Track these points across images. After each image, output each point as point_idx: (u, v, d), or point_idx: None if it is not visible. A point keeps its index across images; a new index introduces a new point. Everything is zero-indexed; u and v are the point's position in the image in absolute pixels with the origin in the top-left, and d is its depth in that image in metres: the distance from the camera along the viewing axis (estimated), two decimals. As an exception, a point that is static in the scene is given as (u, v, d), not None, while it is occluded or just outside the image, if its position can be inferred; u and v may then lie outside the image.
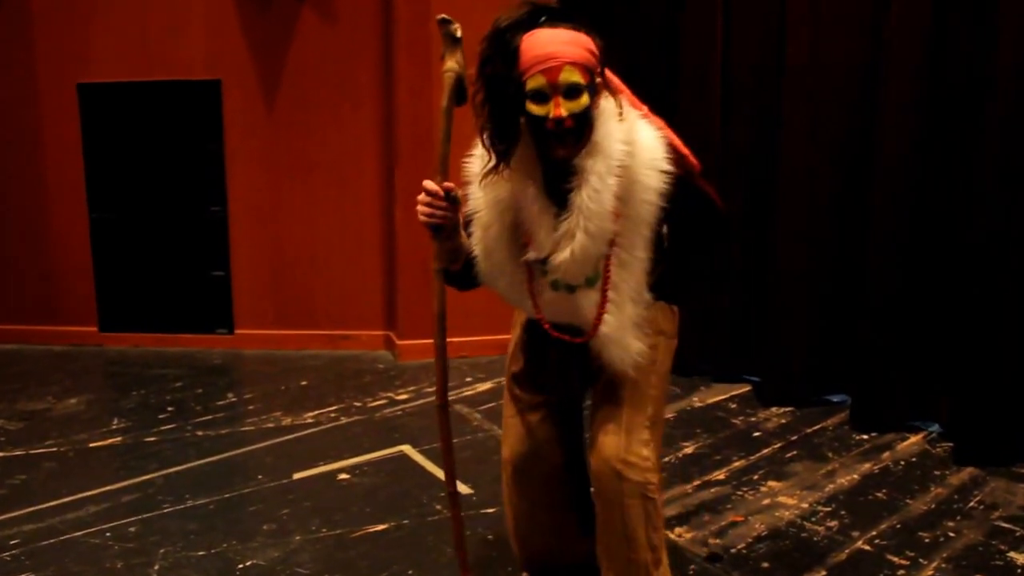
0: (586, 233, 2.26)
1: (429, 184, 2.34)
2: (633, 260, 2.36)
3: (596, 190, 2.23)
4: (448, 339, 6.25)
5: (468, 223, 2.47)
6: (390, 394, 5.37)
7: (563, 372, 2.67)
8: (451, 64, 2.34)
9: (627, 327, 2.43)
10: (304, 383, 5.65)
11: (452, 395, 5.30)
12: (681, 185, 2.34)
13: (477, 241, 2.46)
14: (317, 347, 6.48)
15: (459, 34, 2.35)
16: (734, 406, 5.05)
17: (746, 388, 5.30)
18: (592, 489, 2.63)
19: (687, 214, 2.40)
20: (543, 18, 2.23)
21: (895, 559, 3.29)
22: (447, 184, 2.35)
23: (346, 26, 6.21)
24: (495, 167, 2.28)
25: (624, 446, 2.46)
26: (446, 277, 2.51)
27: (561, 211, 2.30)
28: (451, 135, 2.36)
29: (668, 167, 2.30)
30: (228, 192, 6.42)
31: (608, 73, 2.32)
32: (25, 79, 6.43)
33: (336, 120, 6.31)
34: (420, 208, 2.36)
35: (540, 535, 2.87)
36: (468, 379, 5.60)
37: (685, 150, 2.41)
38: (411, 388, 5.48)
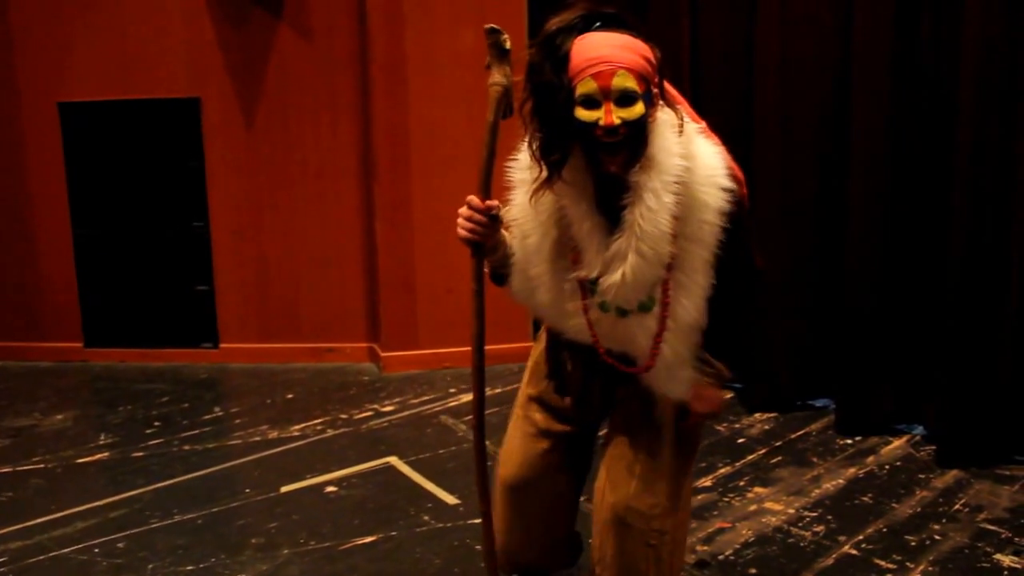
0: (640, 255, 2.09)
1: (473, 199, 2.22)
2: (693, 285, 2.19)
3: (651, 208, 2.06)
4: (432, 350, 6.25)
5: (508, 229, 2.35)
6: (375, 406, 5.38)
7: (583, 401, 2.51)
8: (498, 77, 2.23)
9: (685, 356, 2.29)
10: (290, 396, 5.65)
11: (438, 406, 5.31)
12: (739, 208, 2.19)
13: (514, 250, 2.33)
14: (302, 360, 6.47)
15: (508, 45, 2.22)
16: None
17: (729, 395, 5.32)
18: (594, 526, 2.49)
19: (732, 250, 2.23)
20: (597, 23, 2.07)
21: (882, 563, 3.31)
22: (490, 202, 2.22)
23: (322, 42, 6.24)
24: (548, 181, 2.12)
25: (634, 492, 2.34)
26: (493, 277, 2.39)
27: (614, 229, 2.13)
28: (495, 152, 2.24)
29: (729, 184, 2.15)
30: (210, 207, 6.43)
31: (667, 85, 2.16)
32: (6, 98, 6.42)
33: (315, 134, 6.33)
34: (461, 223, 2.23)
35: (528, 551, 2.73)
36: (452, 390, 5.60)
37: (740, 175, 2.24)
38: (396, 400, 5.48)
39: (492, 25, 2.21)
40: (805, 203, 4.89)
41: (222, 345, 6.56)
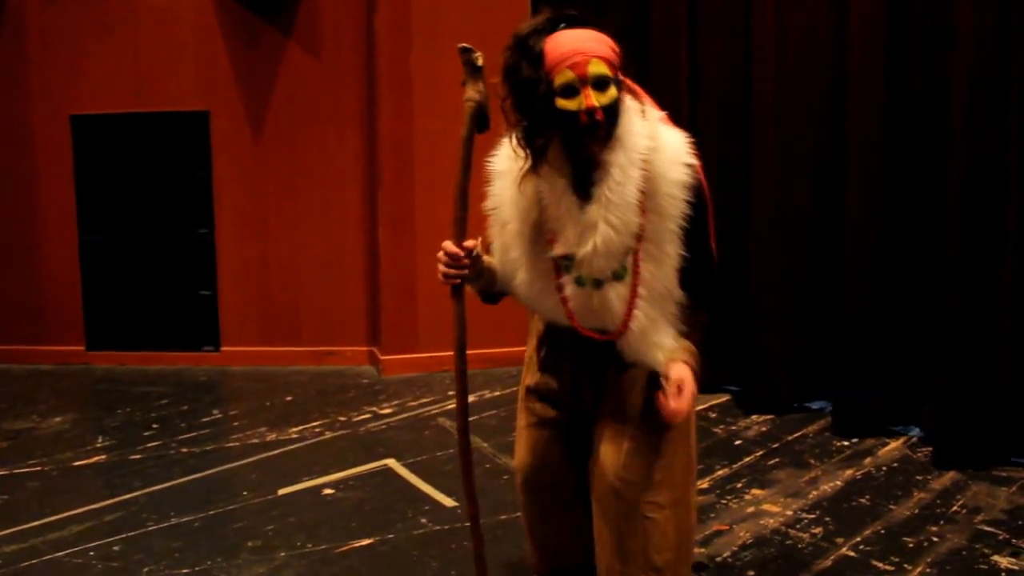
0: (609, 225, 2.25)
1: (449, 246, 2.36)
2: (662, 255, 2.33)
3: (618, 182, 2.23)
4: (433, 353, 6.26)
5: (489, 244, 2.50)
6: (374, 408, 5.38)
7: (576, 387, 2.62)
8: (471, 93, 2.35)
9: (659, 323, 2.39)
10: (289, 399, 5.65)
11: (436, 409, 5.31)
12: (700, 187, 2.35)
13: (495, 237, 2.47)
14: (302, 363, 6.50)
15: (480, 62, 2.36)
16: (714, 415, 5.07)
17: (726, 397, 5.32)
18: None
19: (695, 232, 2.36)
20: (563, 24, 2.25)
21: (880, 565, 3.30)
22: (467, 244, 2.36)
23: (331, 58, 6.37)
24: (535, 167, 2.27)
25: (625, 464, 2.44)
26: (482, 297, 2.56)
27: (587, 204, 2.29)
28: (471, 166, 2.36)
29: (691, 160, 2.32)
30: (216, 215, 6.52)
31: (627, 80, 2.34)
32: (19, 111, 6.51)
33: (321, 147, 6.44)
34: (441, 269, 2.38)
35: (555, 536, 2.84)
36: (450, 393, 5.59)
37: (699, 166, 2.39)
38: (395, 402, 5.48)
39: (464, 44, 2.36)
40: (802, 207, 4.90)
41: (223, 348, 6.58)
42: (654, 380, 2.44)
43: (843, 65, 4.60)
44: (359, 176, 6.45)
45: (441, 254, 2.37)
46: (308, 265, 6.53)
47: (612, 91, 2.20)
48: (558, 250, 2.33)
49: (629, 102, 2.30)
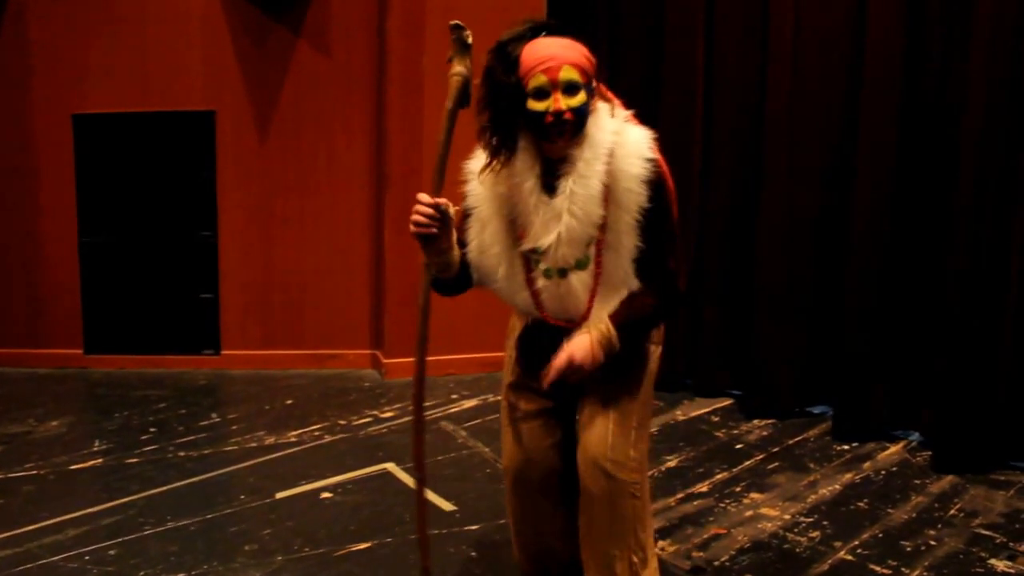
0: (572, 215, 2.38)
1: (422, 196, 2.45)
2: (620, 246, 2.45)
3: (582, 175, 2.37)
4: (435, 357, 6.29)
5: (466, 218, 2.58)
6: (375, 412, 5.37)
7: (556, 380, 2.63)
8: (459, 68, 2.47)
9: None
10: (289, 402, 5.64)
11: (438, 412, 5.30)
12: (660, 183, 2.45)
13: (474, 236, 2.57)
14: (304, 366, 6.47)
15: (470, 40, 2.48)
16: (716, 419, 5.06)
17: (728, 401, 5.31)
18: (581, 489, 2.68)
19: (654, 230, 2.46)
20: (543, 32, 2.40)
21: (877, 568, 3.30)
22: (439, 199, 2.45)
23: (340, 59, 6.32)
24: (490, 161, 2.43)
25: (612, 446, 2.56)
26: (435, 284, 2.63)
27: (553, 197, 2.43)
28: (452, 138, 2.47)
29: (652, 155, 2.42)
30: (219, 217, 6.47)
31: (601, 86, 2.48)
32: (20, 109, 6.45)
33: (328, 149, 6.40)
34: (412, 218, 2.46)
35: (542, 537, 2.91)
36: (454, 396, 5.59)
37: (664, 166, 2.49)
38: (396, 406, 5.47)
39: (456, 22, 2.50)
40: (809, 212, 4.90)
41: (224, 352, 6.56)
42: (629, 364, 2.62)
43: (859, 69, 4.59)
44: (366, 179, 6.41)
45: (416, 205, 2.45)
46: (312, 268, 6.49)
47: (581, 95, 2.34)
48: (527, 244, 2.47)
49: (600, 105, 2.44)
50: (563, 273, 2.48)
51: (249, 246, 6.50)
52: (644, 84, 5.51)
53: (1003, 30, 3.97)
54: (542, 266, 2.50)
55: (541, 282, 2.53)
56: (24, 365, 6.61)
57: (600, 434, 2.58)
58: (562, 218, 2.39)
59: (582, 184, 2.37)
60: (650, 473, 4.12)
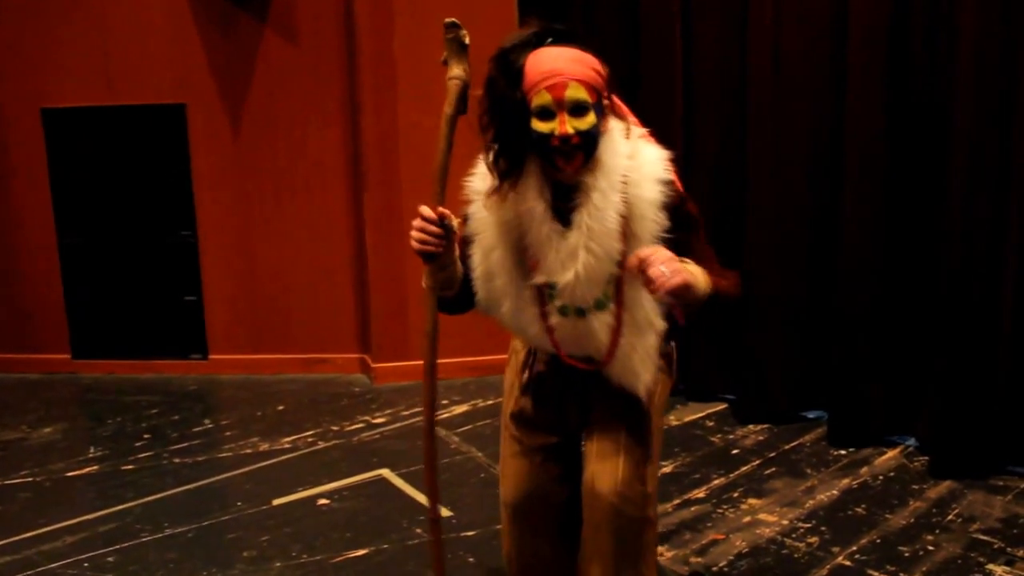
0: (590, 252, 2.20)
1: (424, 209, 2.26)
2: None
3: (598, 207, 2.18)
4: (422, 362, 6.20)
5: (468, 243, 2.40)
6: (367, 418, 5.36)
7: (560, 409, 2.57)
8: (457, 71, 2.26)
9: (646, 350, 2.35)
10: (281, 408, 5.63)
11: (430, 417, 5.28)
12: (680, 204, 2.28)
13: (477, 264, 2.39)
14: (293, 371, 6.44)
15: (467, 40, 2.26)
16: (711, 424, 5.06)
17: (722, 406, 5.32)
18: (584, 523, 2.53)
19: (685, 248, 2.26)
20: (550, 39, 2.19)
21: (875, 574, 3.31)
22: (442, 210, 2.25)
23: (309, 46, 6.20)
24: (499, 187, 2.23)
25: (621, 480, 2.39)
26: (437, 302, 2.40)
27: (568, 231, 2.24)
28: (452, 145, 2.27)
29: (667, 177, 2.25)
30: (197, 216, 6.40)
31: (615, 99, 2.30)
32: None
33: (303, 141, 6.29)
34: (413, 234, 2.26)
35: (540, 567, 2.74)
36: (444, 401, 5.58)
37: (679, 184, 2.32)
38: (388, 411, 5.46)
39: (451, 19, 2.24)
40: (798, 215, 4.89)
41: (211, 356, 6.53)
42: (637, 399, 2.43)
43: (843, 62, 4.56)
44: (343, 173, 6.29)
45: (417, 219, 2.26)
46: (294, 267, 6.41)
47: (590, 117, 2.15)
48: (540, 278, 2.29)
49: (613, 123, 2.26)
50: (581, 313, 2.31)
51: (230, 246, 6.43)
52: (621, 82, 5.47)
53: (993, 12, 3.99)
54: (557, 303, 2.32)
55: (556, 319, 2.35)
56: (13, 371, 6.57)
57: (609, 469, 2.41)
58: (579, 256, 2.20)
59: (598, 218, 2.18)
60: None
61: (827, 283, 4.77)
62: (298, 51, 6.21)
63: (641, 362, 2.37)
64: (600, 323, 2.31)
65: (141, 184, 6.40)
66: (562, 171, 2.20)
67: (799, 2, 4.76)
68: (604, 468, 2.41)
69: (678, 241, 2.24)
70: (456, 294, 2.43)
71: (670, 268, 2.08)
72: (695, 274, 2.17)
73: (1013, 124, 3.98)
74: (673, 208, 2.25)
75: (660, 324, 2.34)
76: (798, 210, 4.88)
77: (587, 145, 2.16)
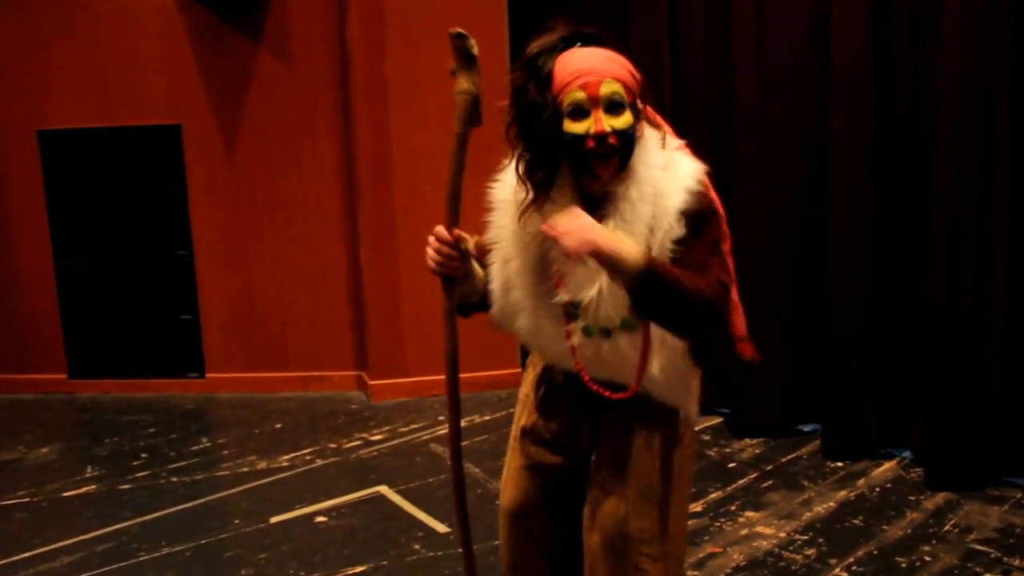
0: None
1: (440, 231, 2.16)
2: None
3: (627, 220, 2.02)
4: (420, 378, 6.18)
5: (487, 252, 2.26)
6: (364, 435, 5.36)
7: (572, 429, 2.43)
8: (466, 85, 2.13)
9: (678, 370, 2.22)
10: (278, 426, 5.63)
11: (427, 435, 5.29)
12: (703, 214, 2.09)
13: (495, 275, 2.25)
14: (289, 389, 6.44)
15: (475, 51, 2.12)
16: (708, 438, 5.07)
17: (718, 420, 5.32)
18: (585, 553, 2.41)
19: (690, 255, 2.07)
20: (578, 43, 2.05)
21: (873, 585, 3.32)
22: (457, 232, 2.16)
23: (302, 66, 6.25)
24: (535, 200, 2.06)
25: (622, 516, 2.26)
26: (458, 308, 2.29)
27: None
28: (464, 165, 2.16)
29: (694, 187, 2.07)
30: (193, 235, 6.43)
31: (649, 108, 2.15)
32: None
33: (297, 160, 6.33)
34: (429, 254, 2.17)
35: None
36: (441, 418, 5.57)
37: (715, 197, 2.16)
38: (385, 428, 5.46)
39: (458, 30, 2.12)
40: (789, 229, 4.90)
41: (208, 375, 6.53)
42: (653, 425, 2.29)
43: (828, 78, 4.61)
44: (337, 191, 6.33)
45: (432, 239, 2.16)
46: (290, 285, 6.43)
47: (627, 115, 2.00)
48: (564, 295, 2.13)
49: (648, 133, 2.10)
50: (607, 333, 2.13)
51: (225, 265, 6.45)
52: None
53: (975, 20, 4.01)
54: (581, 322, 2.14)
55: (578, 339, 2.17)
56: (8, 391, 6.56)
57: (614, 504, 2.27)
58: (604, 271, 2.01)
59: (626, 230, 2.01)
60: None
61: (820, 297, 4.78)
62: (291, 71, 6.25)
63: (681, 379, 2.25)
64: (627, 344, 2.13)
65: (137, 204, 6.43)
66: (598, 177, 2.04)
67: (781, 11, 4.80)
68: (605, 500, 2.30)
69: (684, 244, 2.06)
70: (477, 300, 2.31)
71: (575, 227, 1.98)
72: (610, 240, 1.98)
73: (997, 137, 4.02)
74: (695, 215, 2.07)
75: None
76: (788, 224, 4.90)
77: (624, 147, 2.01)
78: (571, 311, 2.16)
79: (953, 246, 4.13)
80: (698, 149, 2.20)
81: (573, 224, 1.98)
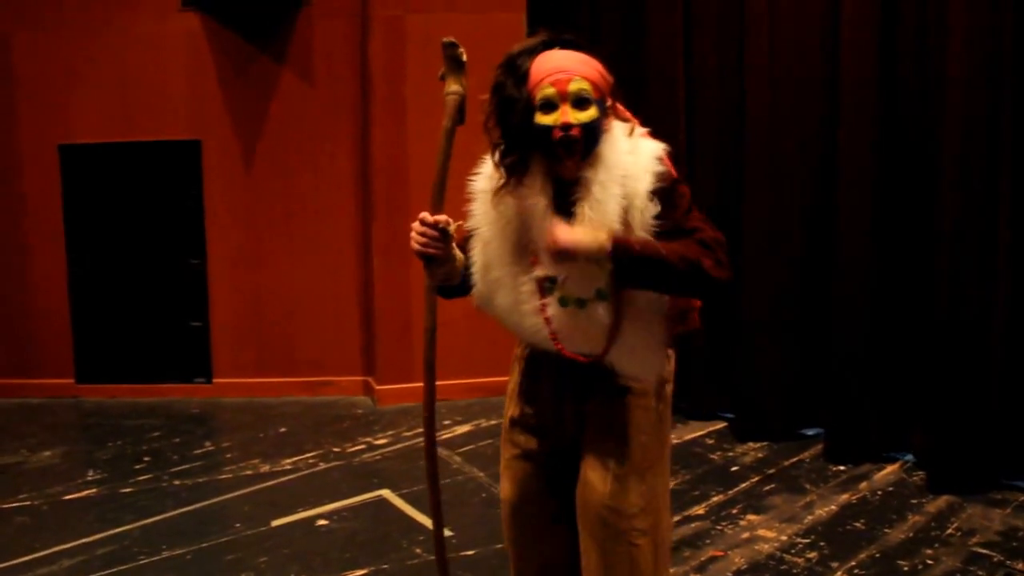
0: None
1: (425, 215, 2.35)
2: None
3: (598, 200, 2.22)
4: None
5: (468, 238, 2.45)
6: (369, 439, 5.36)
7: (557, 414, 2.53)
8: (455, 87, 2.37)
9: (649, 336, 2.35)
10: (283, 430, 5.63)
11: (431, 438, 5.27)
12: (667, 192, 2.25)
13: (476, 257, 2.43)
14: (296, 394, 6.46)
15: (464, 58, 2.37)
16: (711, 442, 5.06)
17: (722, 424, 5.31)
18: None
19: (674, 227, 2.23)
20: (556, 46, 2.27)
21: (874, 589, 3.31)
22: (440, 217, 2.34)
23: (324, 87, 6.35)
24: (505, 183, 2.28)
25: (611, 492, 2.38)
26: (440, 290, 2.48)
27: (569, 223, 2.24)
28: (450, 156, 2.36)
29: (658, 167, 2.25)
30: (207, 245, 6.49)
31: (618, 105, 2.35)
32: (7, 141, 6.47)
33: (314, 176, 6.42)
34: (414, 236, 2.36)
35: (540, 569, 2.71)
36: (447, 422, 5.57)
37: (673, 170, 2.30)
38: (390, 432, 5.46)
39: (450, 39, 2.36)
40: (793, 234, 4.91)
41: (216, 380, 6.54)
42: (634, 404, 2.42)
43: (836, 85, 4.62)
44: (352, 205, 6.43)
45: (416, 224, 2.35)
46: (301, 294, 6.49)
47: (592, 110, 2.20)
48: (540, 271, 2.31)
49: (616, 124, 2.30)
50: (582, 303, 2.29)
51: (238, 273, 6.51)
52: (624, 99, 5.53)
53: (980, 46, 4.03)
54: (557, 294, 2.31)
55: (553, 310, 2.33)
56: (15, 395, 6.57)
57: (600, 479, 2.40)
58: None
59: (598, 210, 2.21)
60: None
61: (823, 302, 4.78)
62: (313, 90, 6.36)
63: (647, 347, 2.37)
64: (601, 312, 2.29)
65: (153, 215, 6.50)
66: (563, 163, 2.23)
67: (793, 26, 4.82)
68: (594, 478, 2.41)
69: (668, 223, 2.23)
70: (457, 285, 2.47)
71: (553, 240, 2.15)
72: (572, 235, 2.15)
73: (1001, 146, 4.02)
74: (663, 191, 2.24)
75: (659, 305, 2.33)
76: (794, 230, 4.90)
77: (587, 137, 2.20)
78: (547, 285, 2.32)
79: (955, 252, 4.13)
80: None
81: (553, 238, 2.16)
